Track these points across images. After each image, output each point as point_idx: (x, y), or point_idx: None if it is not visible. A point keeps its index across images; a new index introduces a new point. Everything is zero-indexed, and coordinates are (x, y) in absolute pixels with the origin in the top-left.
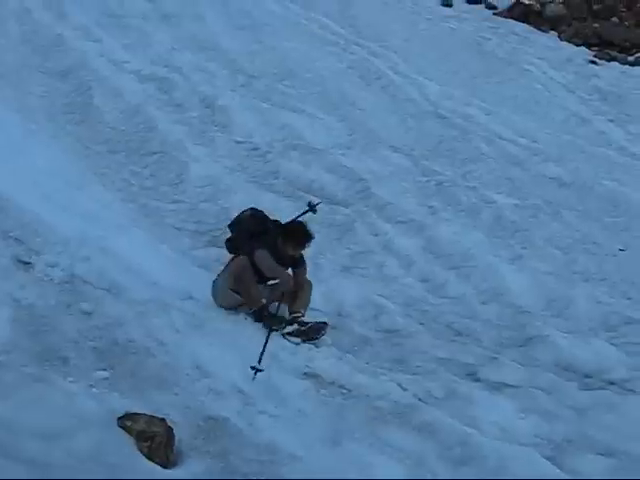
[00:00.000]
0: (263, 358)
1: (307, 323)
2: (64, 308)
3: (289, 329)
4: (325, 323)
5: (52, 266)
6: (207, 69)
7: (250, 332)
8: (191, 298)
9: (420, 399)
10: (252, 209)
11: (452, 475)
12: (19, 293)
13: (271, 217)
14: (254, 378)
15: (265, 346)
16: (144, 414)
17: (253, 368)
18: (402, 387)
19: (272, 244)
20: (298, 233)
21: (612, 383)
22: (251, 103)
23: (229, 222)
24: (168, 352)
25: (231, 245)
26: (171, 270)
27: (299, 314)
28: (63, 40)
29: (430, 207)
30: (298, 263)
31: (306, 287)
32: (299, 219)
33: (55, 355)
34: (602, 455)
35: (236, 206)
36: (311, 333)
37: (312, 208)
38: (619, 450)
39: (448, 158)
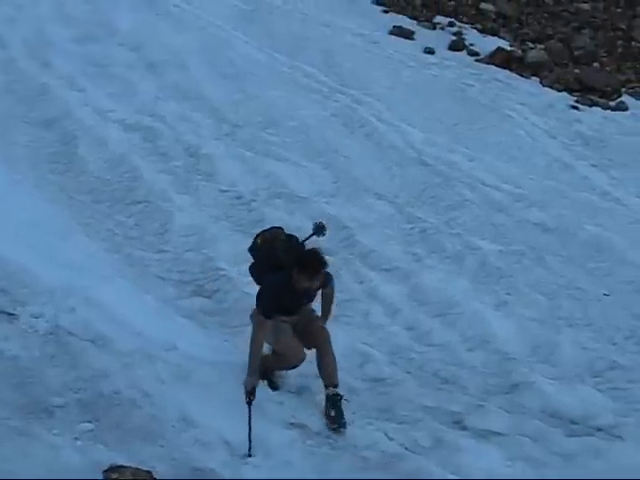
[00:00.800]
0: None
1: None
2: (49, 360)
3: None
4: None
5: (37, 317)
6: (191, 118)
7: (236, 382)
8: (176, 349)
9: (407, 448)
10: (272, 231)
11: None
12: (3, 345)
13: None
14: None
15: (250, 429)
16: (130, 467)
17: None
18: (388, 436)
19: (287, 279)
20: (312, 262)
21: (599, 429)
22: (235, 152)
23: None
24: (154, 403)
25: (254, 275)
26: (156, 320)
27: (336, 390)
28: (48, 89)
29: (414, 254)
30: (312, 297)
31: (327, 347)
32: (311, 246)
33: (39, 407)
34: None
35: (220, 255)
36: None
37: (319, 231)
38: None
39: (432, 205)
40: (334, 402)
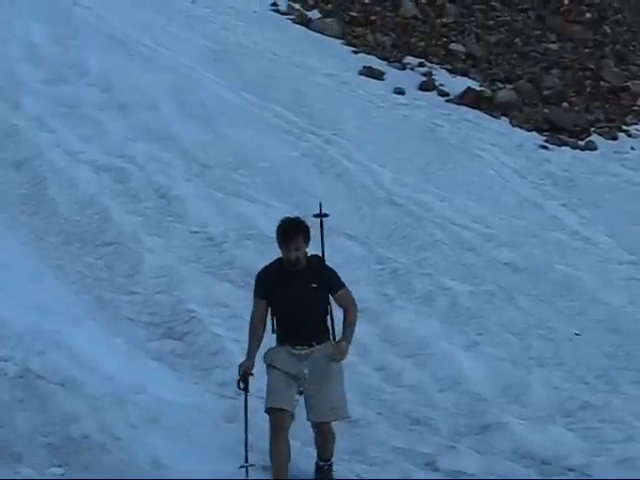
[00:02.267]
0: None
1: None
2: (17, 403)
3: None
4: None
5: (6, 360)
6: (162, 159)
7: (206, 425)
8: (146, 392)
9: None
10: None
11: None
12: None
13: None
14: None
15: (247, 439)
16: None
17: (243, 467)
18: (360, 478)
19: (279, 259)
20: (285, 227)
21: (570, 469)
22: (205, 192)
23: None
24: (123, 447)
25: None
26: (126, 363)
27: (329, 463)
28: (18, 130)
29: (385, 295)
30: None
31: (328, 431)
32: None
33: (8, 451)
34: None
35: (191, 297)
36: None
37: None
38: None
39: (403, 245)
40: (325, 471)
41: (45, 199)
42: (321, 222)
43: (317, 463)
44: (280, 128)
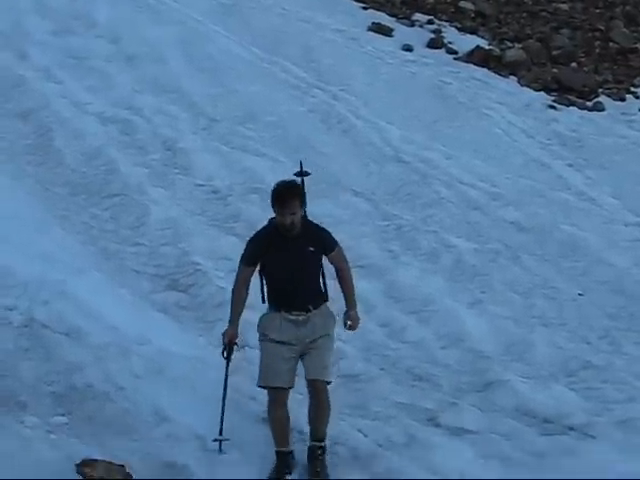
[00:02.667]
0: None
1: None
2: (22, 352)
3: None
4: None
5: (10, 309)
6: (169, 112)
7: (209, 377)
8: (150, 343)
9: (380, 445)
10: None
11: None
12: None
13: None
14: (220, 449)
15: (223, 413)
16: (103, 460)
17: (216, 440)
18: (362, 433)
19: (271, 223)
20: (279, 190)
21: (572, 428)
22: (212, 146)
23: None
24: (127, 397)
25: None
26: (130, 314)
27: (322, 444)
28: (24, 81)
29: (390, 251)
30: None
31: (323, 398)
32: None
33: (12, 400)
34: None
35: (196, 249)
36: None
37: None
38: None
39: (408, 202)
40: (318, 457)
41: (51, 150)
42: (302, 181)
43: (309, 448)
44: (288, 83)
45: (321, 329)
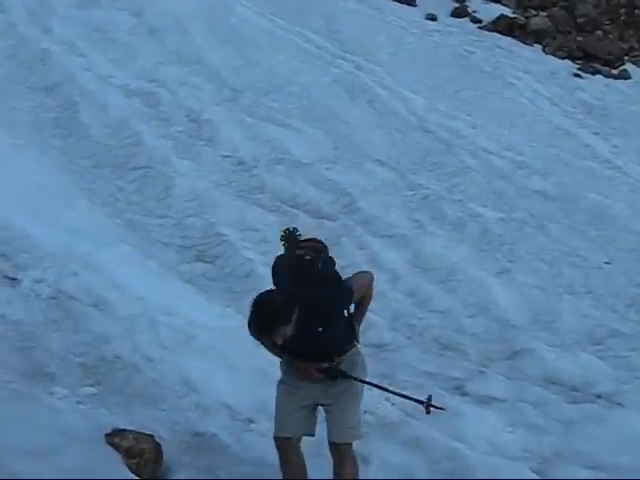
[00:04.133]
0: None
1: None
2: (51, 324)
3: None
4: None
5: (39, 282)
6: (192, 83)
7: (237, 347)
8: (178, 313)
9: (407, 413)
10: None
11: None
12: (6, 309)
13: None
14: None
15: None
16: (132, 430)
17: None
18: (390, 401)
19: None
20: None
21: (599, 396)
22: (237, 117)
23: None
24: (155, 368)
25: None
26: (157, 286)
27: None
28: (49, 55)
29: (416, 221)
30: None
31: (347, 455)
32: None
33: (42, 371)
34: (590, 468)
35: (222, 221)
36: None
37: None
38: (607, 463)
39: (433, 172)
40: None
41: (76, 123)
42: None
43: None
44: (311, 54)
45: (346, 382)
